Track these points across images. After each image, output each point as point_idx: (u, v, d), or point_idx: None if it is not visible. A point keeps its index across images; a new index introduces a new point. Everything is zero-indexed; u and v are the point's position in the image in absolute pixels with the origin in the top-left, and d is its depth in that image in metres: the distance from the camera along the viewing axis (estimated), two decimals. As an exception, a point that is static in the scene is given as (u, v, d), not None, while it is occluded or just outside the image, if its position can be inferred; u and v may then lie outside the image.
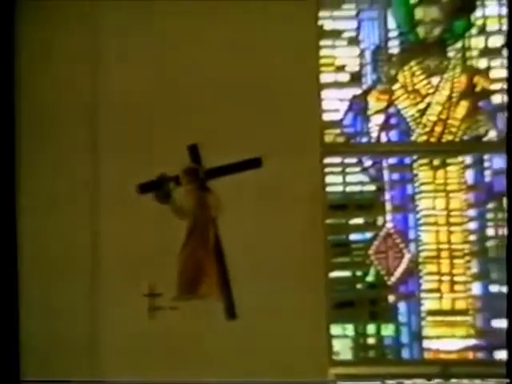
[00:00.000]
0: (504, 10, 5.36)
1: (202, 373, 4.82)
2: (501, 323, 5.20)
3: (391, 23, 5.38)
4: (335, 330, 5.20)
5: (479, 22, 5.40)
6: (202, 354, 4.91)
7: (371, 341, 5.26)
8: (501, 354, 5.21)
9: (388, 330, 5.26)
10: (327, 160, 5.25)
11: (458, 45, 5.39)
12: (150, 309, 4.85)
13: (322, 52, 5.29)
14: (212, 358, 4.90)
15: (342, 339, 5.24)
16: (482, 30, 5.39)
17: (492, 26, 5.39)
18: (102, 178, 5.00)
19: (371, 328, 5.26)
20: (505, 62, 5.33)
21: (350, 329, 5.25)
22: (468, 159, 5.34)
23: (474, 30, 5.39)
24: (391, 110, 5.36)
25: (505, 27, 5.35)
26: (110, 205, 4.97)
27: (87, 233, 4.98)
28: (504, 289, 5.19)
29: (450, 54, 5.38)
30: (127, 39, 5.07)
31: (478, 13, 5.40)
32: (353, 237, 5.30)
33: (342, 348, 5.24)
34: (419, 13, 5.38)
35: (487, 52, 5.38)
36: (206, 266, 4.85)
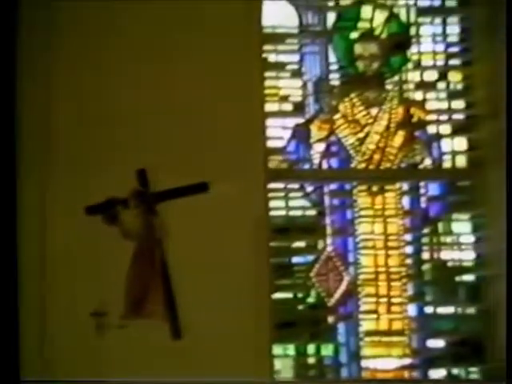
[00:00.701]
0: (438, 47, 5.18)
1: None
2: (435, 343, 5.01)
3: (332, 57, 5.18)
4: (277, 349, 4.90)
5: (415, 58, 5.21)
6: (148, 373, 4.49)
7: (311, 360, 4.98)
8: (435, 373, 4.97)
9: (328, 349, 4.99)
10: (271, 185, 4.99)
11: (395, 78, 5.20)
12: (98, 327, 4.46)
13: (267, 83, 5.05)
14: (157, 373, 4.50)
15: (283, 359, 4.95)
16: (418, 65, 5.21)
17: (427, 61, 5.22)
18: (52, 198, 4.59)
19: (311, 348, 4.98)
20: (440, 94, 5.18)
21: (291, 348, 4.97)
22: (405, 186, 5.13)
23: (410, 65, 5.20)
24: (332, 138, 5.13)
25: (439, 63, 5.18)
26: (58, 225, 4.56)
27: (36, 250, 4.58)
28: (440, 310, 5.01)
29: (388, 86, 5.20)
30: (77, 71, 4.71)
31: (414, 49, 5.20)
32: (295, 259, 5.04)
33: (284, 367, 4.95)
34: (358, 48, 5.19)
35: (422, 85, 5.20)
36: (152, 286, 4.50)
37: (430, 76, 5.20)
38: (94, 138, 4.67)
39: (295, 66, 5.13)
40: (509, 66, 4.78)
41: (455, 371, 5.01)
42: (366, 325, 5.01)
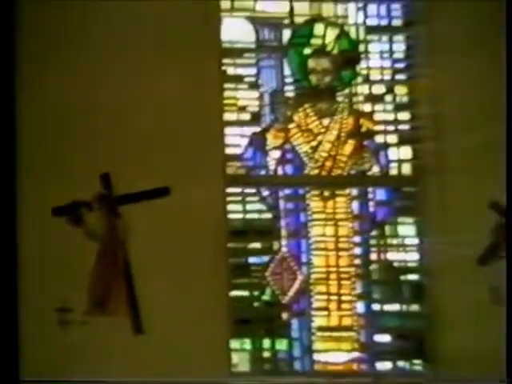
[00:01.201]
0: (385, 63, 5.09)
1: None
2: (382, 338, 4.91)
3: (287, 71, 5.08)
4: (234, 344, 4.79)
5: (364, 72, 5.12)
6: (111, 367, 4.35)
7: (267, 354, 4.87)
8: (382, 366, 4.87)
9: (282, 344, 4.89)
10: (229, 190, 4.89)
11: (346, 91, 5.12)
12: (61, 322, 4.30)
13: (226, 94, 4.96)
14: (120, 368, 4.35)
15: (240, 353, 4.83)
16: (367, 79, 5.12)
17: (375, 75, 5.14)
18: (21, 200, 4.36)
19: (267, 342, 4.87)
20: (387, 106, 5.09)
21: (247, 343, 4.84)
22: (354, 191, 5.05)
23: (359, 79, 5.11)
24: (287, 146, 5.04)
25: (386, 77, 5.09)
26: (28, 226, 4.36)
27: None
28: (386, 307, 4.92)
29: (339, 98, 5.11)
30: (43, 75, 4.54)
31: (363, 64, 5.12)
32: (251, 260, 4.93)
33: (241, 360, 4.83)
34: (312, 63, 5.10)
35: (371, 98, 5.13)
36: (115, 285, 4.34)
37: (378, 89, 5.13)
38: (59, 142, 4.51)
39: (252, 79, 5.04)
40: (509, 68, 4.72)
41: (400, 364, 4.92)
42: (318, 321, 4.93)
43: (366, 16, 5.15)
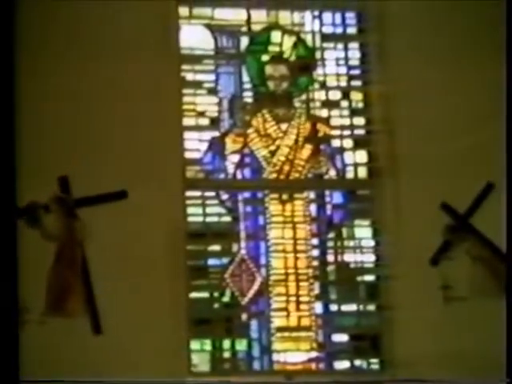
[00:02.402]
0: (341, 69, 5.09)
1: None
2: (339, 338, 4.90)
3: (245, 77, 5.05)
4: (194, 344, 4.74)
5: (320, 79, 5.11)
6: (70, 367, 4.31)
7: (226, 354, 4.82)
8: (339, 365, 4.87)
9: (241, 344, 4.84)
10: (188, 193, 4.85)
11: (303, 97, 5.10)
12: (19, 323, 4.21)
13: (185, 99, 4.92)
14: (78, 368, 4.32)
15: (200, 353, 4.77)
16: (323, 85, 5.11)
17: (331, 82, 5.12)
18: None
19: (226, 343, 4.82)
20: (343, 112, 5.09)
21: (207, 344, 4.80)
22: (311, 194, 5.02)
23: (316, 85, 5.10)
24: (246, 150, 5.01)
25: (341, 83, 5.09)
26: None
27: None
28: (343, 308, 4.92)
29: (296, 104, 5.09)
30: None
31: (319, 71, 5.10)
32: (211, 262, 4.88)
33: (201, 361, 4.77)
34: (269, 69, 5.08)
35: (327, 103, 5.11)
36: (73, 285, 4.16)
37: (334, 95, 5.12)
38: (18, 146, 4.44)
39: (211, 85, 5.00)
40: (509, 72, 4.76)
41: (357, 363, 4.90)
42: (277, 321, 4.89)
43: (321, 24, 5.13)
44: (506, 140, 4.87)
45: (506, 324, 4.61)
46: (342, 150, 5.10)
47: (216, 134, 5.01)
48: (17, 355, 4.14)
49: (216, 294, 4.85)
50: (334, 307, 4.95)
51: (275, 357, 4.87)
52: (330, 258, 5.00)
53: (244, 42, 5.08)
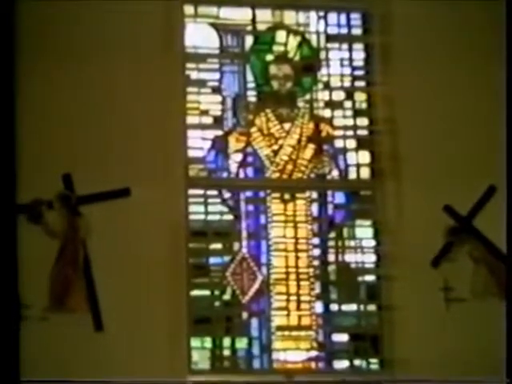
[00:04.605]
0: (345, 70, 5.05)
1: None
2: (339, 337, 4.88)
3: (249, 76, 5.02)
4: (195, 342, 4.72)
5: (324, 79, 5.08)
6: (70, 363, 4.30)
7: (226, 352, 4.79)
8: (339, 364, 4.85)
9: (241, 343, 4.82)
10: (191, 191, 4.82)
11: (307, 97, 5.07)
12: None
13: (189, 98, 4.89)
14: (79, 365, 4.31)
15: (200, 350, 4.75)
16: (327, 86, 5.07)
17: (335, 82, 5.09)
18: None
19: (227, 341, 4.79)
20: (346, 112, 5.06)
21: (208, 341, 4.77)
22: (314, 194, 5.00)
23: (319, 85, 5.07)
24: (248, 149, 4.98)
25: (345, 84, 5.06)
26: None
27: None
28: (343, 307, 4.90)
29: (300, 104, 5.07)
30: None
31: (323, 71, 5.08)
32: (212, 260, 4.85)
33: (201, 358, 4.75)
34: (273, 69, 5.05)
35: (331, 104, 5.08)
36: (75, 282, 4.31)
37: (338, 96, 5.09)
38: (21, 143, 4.40)
39: (215, 83, 4.98)
40: (509, 72, 4.74)
41: (357, 362, 4.88)
42: (277, 320, 4.88)
43: (326, 24, 5.12)
44: (506, 141, 4.84)
45: (505, 324, 4.62)
46: (344, 150, 5.09)
47: (219, 132, 4.99)
48: (17, 355, 4.12)
49: (217, 292, 4.83)
50: (334, 307, 4.93)
51: (275, 355, 4.86)
52: (331, 257, 4.98)
53: (249, 41, 5.07)
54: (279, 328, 4.87)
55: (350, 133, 5.10)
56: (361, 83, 5.12)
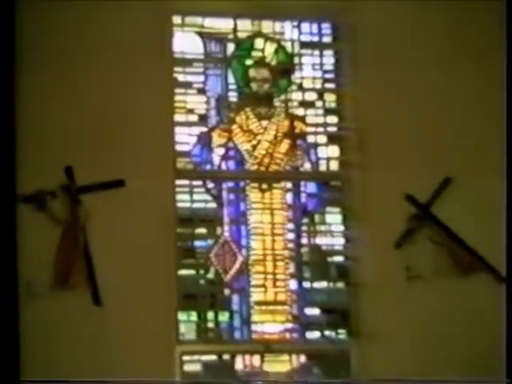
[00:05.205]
0: (316, 73, 5.30)
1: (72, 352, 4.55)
2: (311, 311, 5.14)
3: (231, 79, 5.23)
4: (182, 316, 4.97)
5: (298, 81, 5.30)
6: (72, 334, 4.60)
7: (210, 325, 5.03)
8: (311, 335, 5.12)
9: (224, 316, 5.06)
10: (178, 182, 5.03)
11: (282, 97, 5.28)
12: (29, 296, 4.48)
13: (176, 98, 5.09)
14: (79, 339, 4.61)
15: (187, 323, 5.00)
16: (300, 87, 5.30)
17: (308, 84, 5.32)
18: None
19: (211, 315, 5.03)
20: (317, 111, 5.28)
21: (194, 315, 5.01)
22: (288, 184, 5.23)
23: (294, 87, 5.29)
24: (230, 144, 5.19)
25: (317, 86, 5.29)
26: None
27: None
28: (315, 285, 5.14)
29: (276, 103, 5.28)
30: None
31: (297, 74, 5.30)
32: (197, 243, 5.08)
33: (188, 330, 5.00)
34: (252, 72, 5.27)
35: (304, 103, 5.29)
36: (76, 263, 4.58)
37: (310, 96, 5.29)
38: (23, 139, 4.60)
39: (200, 85, 5.16)
40: (509, 70, 4.88)
41: (327, 333, 5.15)
42: (256, 296, 5.10)
43: (300, 33, 5.32)
44: (506, 140, 4.97)
45: (506, 324, 4.76)
46: (316, 145, 5.28)
47: (204, 129, 5.17)
48: (17, 355, 4.23)
49: (202, 272, 5.04)
50: (307, 284, 5.15)
51: (254, 327, 5.08)
52: (304, 240, 5.19)
53: (230, 47, 5.24)
54: (258, 303, 5.10)
55: (320, 129, 5.30)
56: (331, 85, 5.33)
